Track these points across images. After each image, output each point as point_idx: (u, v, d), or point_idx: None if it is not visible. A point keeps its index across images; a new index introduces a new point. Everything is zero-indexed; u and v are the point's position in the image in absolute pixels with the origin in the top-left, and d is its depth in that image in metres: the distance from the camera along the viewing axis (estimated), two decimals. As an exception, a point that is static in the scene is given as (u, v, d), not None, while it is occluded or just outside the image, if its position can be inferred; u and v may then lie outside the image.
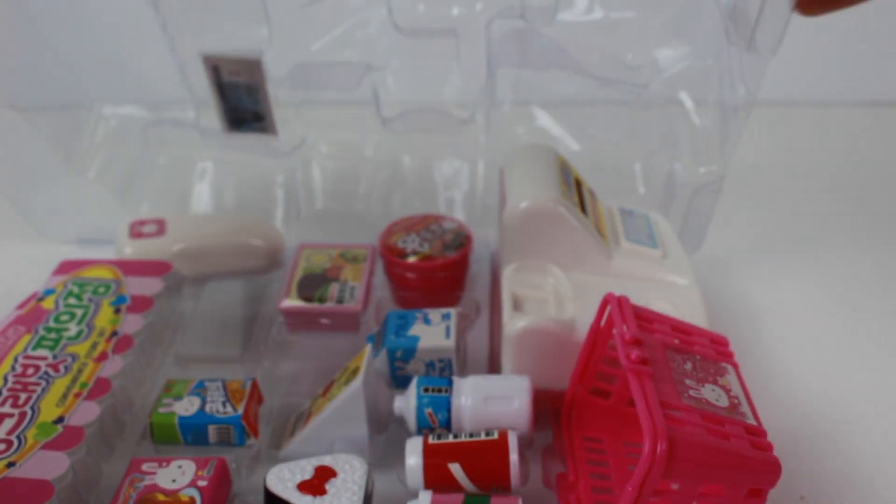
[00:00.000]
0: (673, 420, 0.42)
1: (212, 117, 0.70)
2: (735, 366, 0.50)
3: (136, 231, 0.67)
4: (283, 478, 0.47)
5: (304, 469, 0.47)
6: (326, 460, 0.48)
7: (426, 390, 0.53)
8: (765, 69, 0.58)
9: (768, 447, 0.43)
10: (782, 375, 0.62)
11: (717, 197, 0.68)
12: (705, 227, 0.71)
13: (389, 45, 0.68)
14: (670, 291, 0.59)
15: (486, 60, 0.67)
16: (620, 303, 0.50)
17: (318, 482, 0.46)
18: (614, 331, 0.48)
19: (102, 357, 0.54)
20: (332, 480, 0.46)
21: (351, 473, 0.47)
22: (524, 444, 0.53)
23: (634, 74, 0.67)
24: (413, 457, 0.49)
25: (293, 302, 0.61)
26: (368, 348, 0.54)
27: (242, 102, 0.68)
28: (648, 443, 0.40)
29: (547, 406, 0.56)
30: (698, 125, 0.69)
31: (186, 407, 0.53)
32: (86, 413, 0.50)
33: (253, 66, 0.65)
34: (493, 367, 0.60)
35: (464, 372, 0.58)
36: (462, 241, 0.65)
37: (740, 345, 0.59)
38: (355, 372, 0.52)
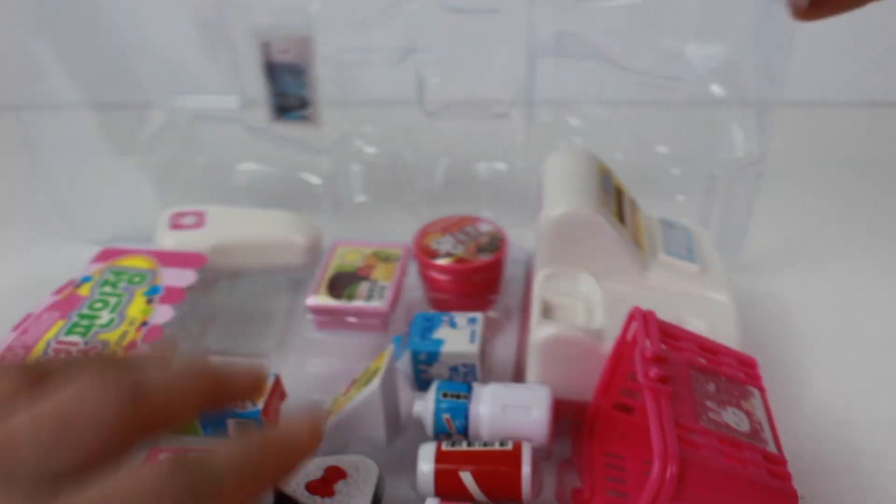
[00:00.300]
0: (687, 443, 0.41)
1: (255, 118, 0.71)
2: (762, 389, 0.48)
3: (175, 222, 0.67)
4: (295, 477, 0.47)
5: (315, 469, 0.47)
6: (337, 461, 0.47)
7: (445, 395, 0.52)
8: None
9: (786, 476, 0.42)
10: (804, 387, 0.61)
11: (756, 185, 0.66)
12: (746, 223, 0.69)
13: (433, 28, 0.68)
14: (706, 307, 0.57)
15: (527, 48, 0.66)
16: (646, 318, 0.49)
17: (326, 483, 0.46)
18: (636, 347, 0.47)
19: (131, 346, 0.55)
20: (342, 482, 0.46)
21: (361, 476, 0.47)
22: (542, 456, 0.52)
23: (669, 65, 0.66)
24: (425, 463, 0.48)
25: (321, 299, 0.61)
26: (390, 350, 0.54)
27: (289, 86, 0.68)
28: (658, 464, 0.39)
29: (569, 417, 0.55)
30: (733, 114, 0.67)
31: (208, 400, 0.53)
32: (108, 401, 0.51)
33: (302, 44, 0.66)
34: (519, 374, 0.59)
35: (489, 377, 0.58)
36: (497, 245, 0.65)
37: (770, 354, 0.59)
38: (375, 373, 0.52)
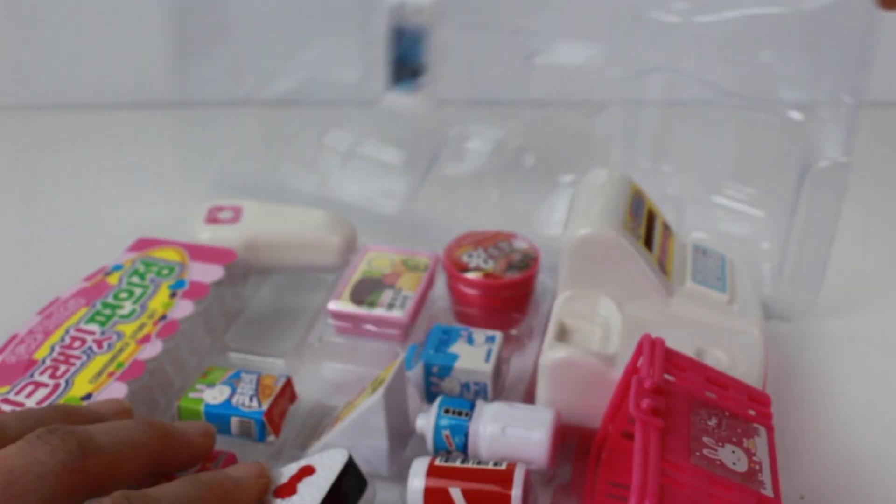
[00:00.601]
0: (671, 480, 0.39)
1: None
2: (769, 428, 0.46)
3: (212, 216, 0.68)
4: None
5: (290, 471, 0.46)
6: (312, 459, 0.47)
7: (447, 412, 0.52)
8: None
9: (777, 524, 0.40)
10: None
11: (842, 196, 0.62)
12: (827, 250, 0.64)
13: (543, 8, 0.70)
14: (730, 339, 0.56)
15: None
16: (654, 346, 0.47)
17: (293, 482, 0.45)
18: (634, 376, 0.45)
19: (145, 339, 0.56)
20: (307, 479, 0.45)
21: (327, 469, 0.45)
22: (543, 480, 0.51)
23: (755, 83, 0.65)
24: (416, 478, 0.48)
25: (342, 305, 0.61)
26: (400, 360, 0.53)
27: (410, 53, 0.69)
28: (633, 501, 0.38)
29: (575, 443, 0.54)
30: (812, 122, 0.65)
31: (215, 395, 0.54)
32: (113, 394, 0.52)
33: (434, 8, 0.67)
34: (530, 395, 0.58)
35: (501, 397, 0.57)
36: (528, 263, 0.64)
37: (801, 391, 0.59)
38: (382, 383, 0.52)
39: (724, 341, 0.55)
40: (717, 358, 0.54)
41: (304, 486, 0.45)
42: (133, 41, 0.96)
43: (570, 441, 0.54)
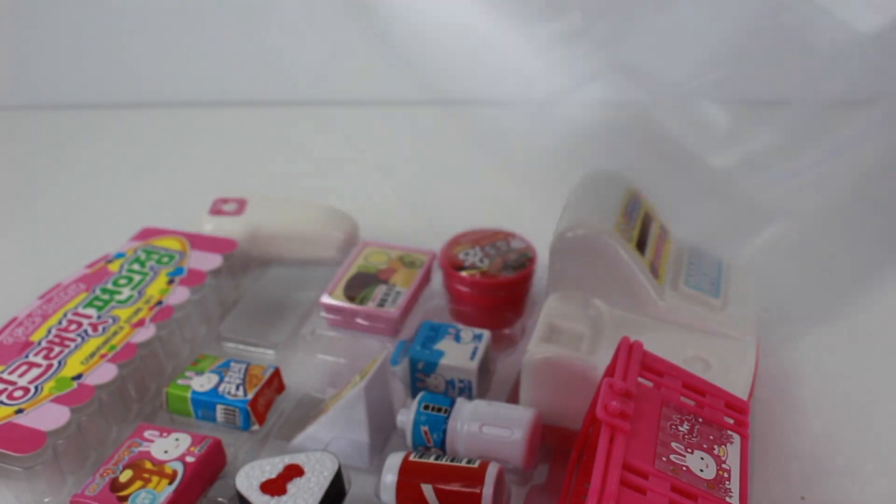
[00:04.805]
0: (631, 485, 0.40)
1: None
2: (744, 436, 0.46)
3: (216, 208, 0.69)
4: (252, 476, 0.47)
5: (274, 467, 0.47)
6: (298, 458, 0.48)
7: (426, 407, 0.52)
8: None
9: (738, 533, 0.40)
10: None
11: None
12: None
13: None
14: (720, 344, 0.55)
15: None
16: (631, 349, 0.47)
17: (281, 481, 0.46)
18: (604, 378, 0.45)
19: (139, 324, 0.57)
20: (297, 480, 0.46)
21: (318, 474, 0.46)
22: (519, 480, 0.51)
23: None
24: (389, 473, 0.48)
25: (335, 299, 0.61)
26: (383, 355, 0.54)
27: None
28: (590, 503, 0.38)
29: (557, 444, 0.54)
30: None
31: (203, 383, 0.55)
32: (103, 374, 0.53)
33: None
34: (516, 395, 0.58)
35: (488, 395, 0.57)
36: (523, 263, 0.64)
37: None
38: (363, 377, 0.52)
39: (713, 346, 0.55)
40: (705, 362, 0.54)
41: (294, 487, 0.46)
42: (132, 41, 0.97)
43: (551, 442, 0.54)
